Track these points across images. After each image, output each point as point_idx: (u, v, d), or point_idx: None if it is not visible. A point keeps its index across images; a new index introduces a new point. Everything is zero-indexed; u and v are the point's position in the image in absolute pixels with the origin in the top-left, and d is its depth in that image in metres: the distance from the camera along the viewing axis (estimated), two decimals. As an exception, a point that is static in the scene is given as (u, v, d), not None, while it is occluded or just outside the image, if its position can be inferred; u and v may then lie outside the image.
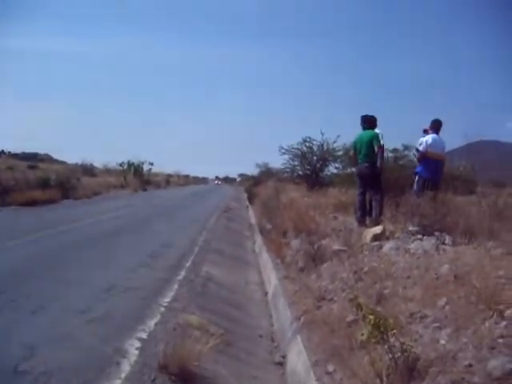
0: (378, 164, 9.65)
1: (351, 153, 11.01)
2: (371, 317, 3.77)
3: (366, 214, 9.62)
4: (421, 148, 10.14)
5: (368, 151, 9.73)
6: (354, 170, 11.01)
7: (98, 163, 56.61)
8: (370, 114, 10.22)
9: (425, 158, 10.00)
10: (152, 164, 55.56)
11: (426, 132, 10.55)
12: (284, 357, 5.94)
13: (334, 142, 22.88)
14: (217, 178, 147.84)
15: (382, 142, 9.81)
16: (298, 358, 5.34)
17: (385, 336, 3.79)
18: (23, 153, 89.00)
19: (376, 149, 9.71)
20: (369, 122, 10.10)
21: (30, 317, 5.85)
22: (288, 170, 26.40)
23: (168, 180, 68.86)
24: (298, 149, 23.95)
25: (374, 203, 9.48)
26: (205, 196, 45.20)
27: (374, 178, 9.68)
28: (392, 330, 3.82)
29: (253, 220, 22.29)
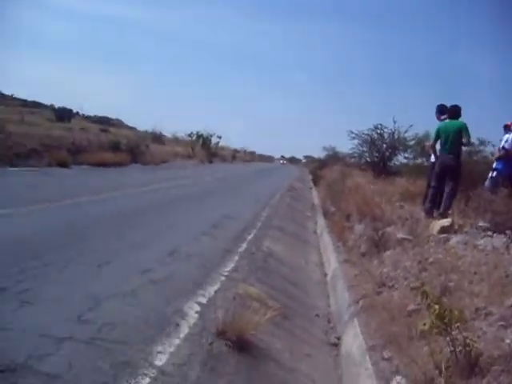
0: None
1: (430, 142, 10.56)
2: (436, 306, 3.71)
3: (435, 206, 9.36)
4: (506, 145, 9.79)
5: (454, 142, 9.36)
6: (432, 160, 10.56)
7: (168, 132, 57.44)
8: (453, 104, 9.81)
9: (508, 155, 9.67)
10: (220, 137, 56.15)
11: (507, 128, 10.17)
12: (339, 338, 5.93)
13: (406, 131, 22.38)
14: (282, 157, 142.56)
15: None
16: (353, 340, 5.32)
17: (448, 328, 3.72)
18: (96, 116, 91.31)
19: (465, 141, 9.38)
20: (453, 112, 9.68)
21: (96, 270, 6.04)
22: (356, 155, 26.08)
23: (234, 155, 69.40)
24: (368, 135, 23.58)
25: (445, 195, 9.18)
26: (270, 174, 45.37)
27: (456, 171, 9.34)
28: (456, 322, 3.74)
29: (316, 201, 22.22)
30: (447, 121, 9.68)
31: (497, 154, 10.50)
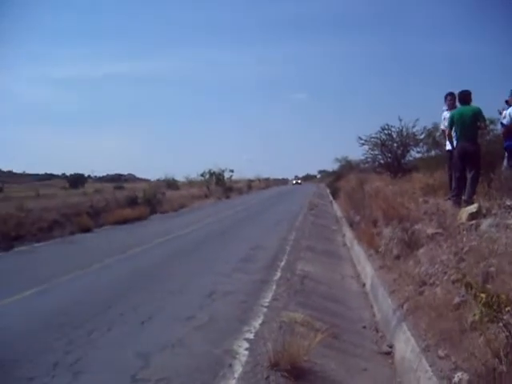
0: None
1: (446, 131, 10.46)
2: (482, 295, 3.67)
3: (462, 194, 9.25)
4: (505, 121, 9.71)
5: (470, 127, 9.29)
6: (448, 148, 10.46)
7: (180, 176, 57.80)
8: (463, 90, 9.76)
9: (509, 131, 9.58)
10: (232, 171, 56.25)
11: (508, 103, 10.10)
12: (391, 346, 5.87)
13: (414, 126, 22.34)
14: (296, 177, 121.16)
15: None
16: (406, 345, 5.25)
17: (498, 314, 3.68)
18: (108, 175, 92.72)
19: (482, 125, 9.34)
20: (463, 98, 9.62)
21: (140, 327, 6.09)
22: (369, 160, 26.02)
23: (249, 185, 69.44)
24: (377, 137, 23.52)
25: (468, 182, 9.08)
26: (287, 196, 45.33)
27: (475, 156, 9.25)
28: (506, 306, 3.69)
29: (339, 214, 22.15)
30: (460, 107, 9.64)
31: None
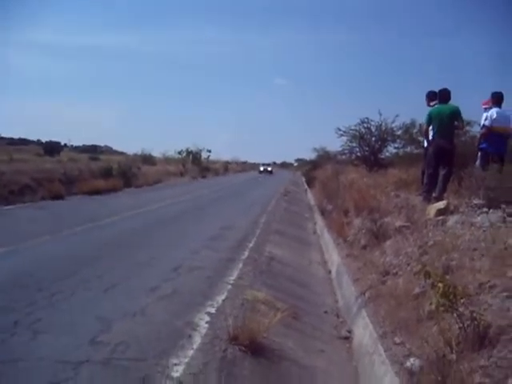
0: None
1: (424, 127, 10.60)
2: (440, 285, 3.77)
3: (432, 191, 9.39)
4: (486, 123, 9.85)
5: (448, 126, 9.40)
6: (425, 145, 10.63)
7: (158, 153, 57.36)
8: (442, 88, 9.87)
9: (490, 132, 9.73)
10: (210, 151, 56.24)
11: (486, 105, 10.23)
12: (350, 331, 5.99)
13: (393, 121, 22.44)
14: (264, 164, 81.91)
15: None
16: (364, 331, 5.38)
17: (454, 305, 3.79)
18: (84, 145, 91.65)
19: (459, 125, 9.52)
20: (443, 96, 9.73)
21: (104, 294, 6.11)
22: (346, 151, 26.02)
23: (226, 167, 69.49)
24: (356, 130, 23.55)
25: (440, 179, 9.22)
26: (262, 181, 45.50)
27: (450, 155, 9.39)
28: (461, 298, 3.81)
29: (312, 202, 22.31)
30: (438, 105, 9.75)
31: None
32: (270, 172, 74.32)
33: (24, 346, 4.33)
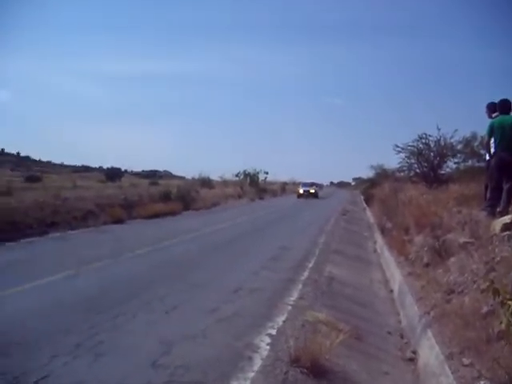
0: None
1: (485, 140, 10.23)
2: (510, 302, 3.61)
3: (497, 205, 9.04)
4: None
5: (511, 138, 9.10)
6: (487, 158, 10.24)
7: (216, 176, 57.91)
8: (503, 98, 9.55)
9: None
10: (267, 173, 56.35)
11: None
12: (415, 352, 5.80)
13: (452, 136, 21.98)
14: (304, 185, 58.22)
15: None
16: (430, 352, 5.19)
17: (525, 323, 3.62)
18: (144, 171, 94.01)
19: None
20: (503, 107, 9.39)
21: (165, 316, 6.16)
22: (404, 168, 25.65)
23: (283, 188, 69.42)
24: (414, 146, 23.20)
25: (504, 193, 8.88)
26: (319, 201, 45.26)
27: None
28: (533, 316, 3.63)
29: (371, 221, 22.00)
30: (500, 116, 9.44)
31: None
32: (315, 195, 52.12)
33: (86, 368, 4.39)
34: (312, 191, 52.74)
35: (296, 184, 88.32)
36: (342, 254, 12.29)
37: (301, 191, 52.68)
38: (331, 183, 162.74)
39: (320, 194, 57.68)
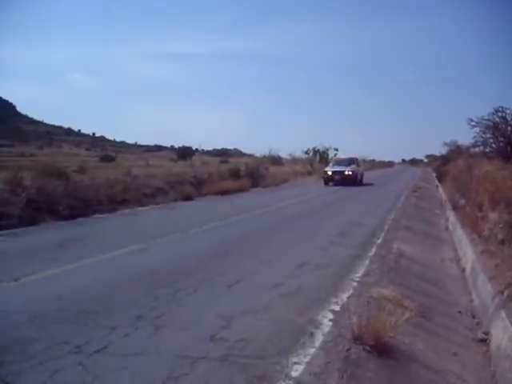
0: None
1: None
2: None
3: None
4: None
5: None
6: None
7: (285, 153, 57.79)
8: None
9: None
10: (337, 150, 55.51)
11: None
12: (487, 333, 5.52)
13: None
14: (337, 162, 33.15)
15: None
16: (503, 333, 4.91)
17: None
18: (214, 149, 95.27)
19: None
20: None
21: (226, 291, 6.12)
22: (479, 143, 24.72)
23: (354, 164, 68.51)
24: (490, 120, 22.26)
25: None
26: (391, 178, 44.49)
27: None
28: None
29: (443, 198, 21.32)
30: None
31: None
32: (352, 179, 30.69)
33: (145, 340, 4.41)
34: (347, 172, 30.52)
35: (366, 161, 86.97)
36: (411, 231, 11.94)
37: (329, 172, 31.01)
38: (403, 160, 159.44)
39: (392, 171, 54.69)
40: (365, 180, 33.06)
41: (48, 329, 4.71)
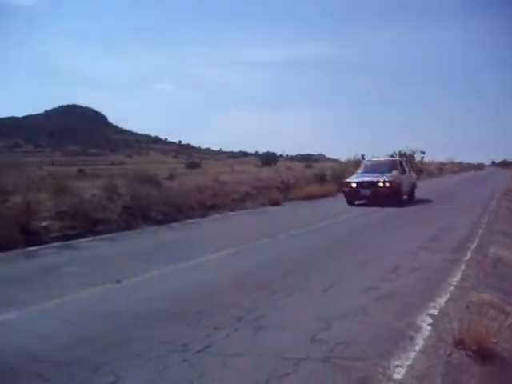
0: None
1: None
2: None
3: None
4: None
5: None
6: None
7: (371, 157, 56.90)
8: None
9: None
10: (424, 153, 54.11)
11: None
12: None
13: None
14: (366, 170, 21.42)
15: None
16: None
17: None
18: (298, 155, 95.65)
19: None
20: None
21: (322, 294, 6.16)
22: None
23: (441, 168, 66.69)
24: None
25: None
26: (479, 181, 43.02)
27: None
28: None
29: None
30: None
31: None
32: (391, 192, 18.82)
33: (246, 340, 4.51)
34: (383, 184, 19.20)
35: (454, 164, 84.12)
36: (508, 236, 11.51)
37: (353, 184, 19.71)
38: (493, 162, 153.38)
39: (481, 174, 52.77)
40: (436, 188, 30.83)
41: (152, 328, 4.91)
